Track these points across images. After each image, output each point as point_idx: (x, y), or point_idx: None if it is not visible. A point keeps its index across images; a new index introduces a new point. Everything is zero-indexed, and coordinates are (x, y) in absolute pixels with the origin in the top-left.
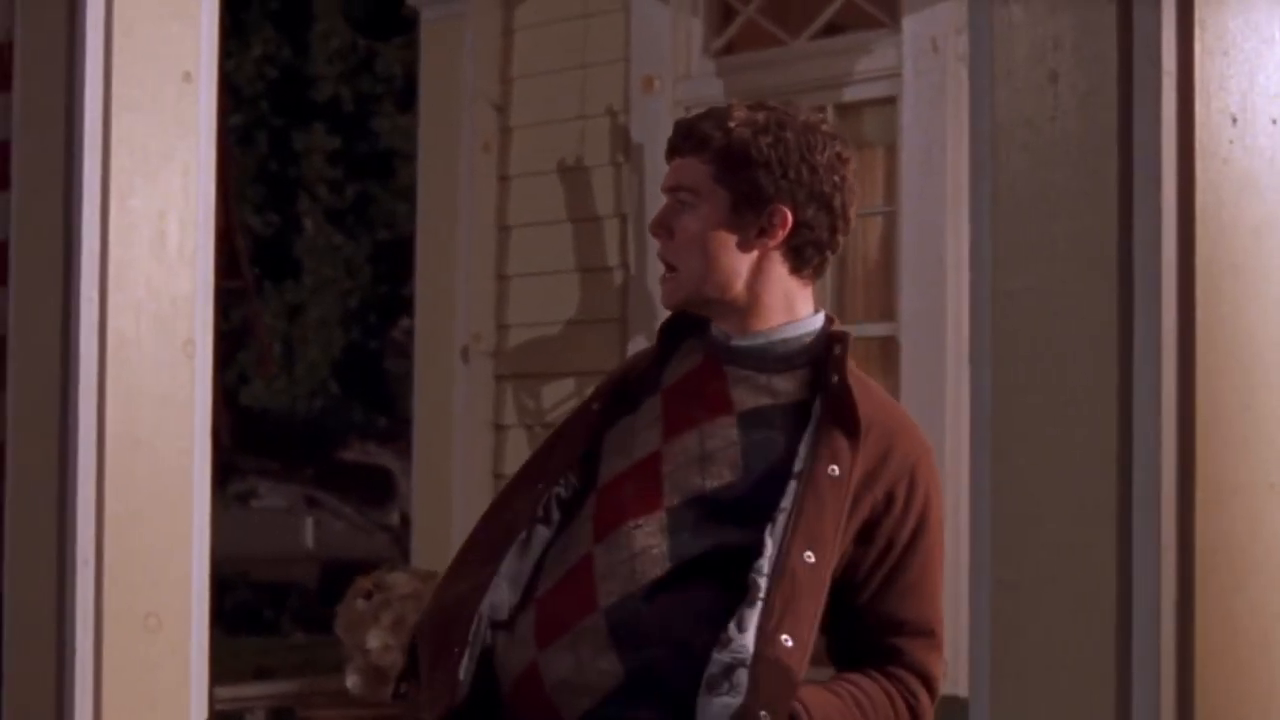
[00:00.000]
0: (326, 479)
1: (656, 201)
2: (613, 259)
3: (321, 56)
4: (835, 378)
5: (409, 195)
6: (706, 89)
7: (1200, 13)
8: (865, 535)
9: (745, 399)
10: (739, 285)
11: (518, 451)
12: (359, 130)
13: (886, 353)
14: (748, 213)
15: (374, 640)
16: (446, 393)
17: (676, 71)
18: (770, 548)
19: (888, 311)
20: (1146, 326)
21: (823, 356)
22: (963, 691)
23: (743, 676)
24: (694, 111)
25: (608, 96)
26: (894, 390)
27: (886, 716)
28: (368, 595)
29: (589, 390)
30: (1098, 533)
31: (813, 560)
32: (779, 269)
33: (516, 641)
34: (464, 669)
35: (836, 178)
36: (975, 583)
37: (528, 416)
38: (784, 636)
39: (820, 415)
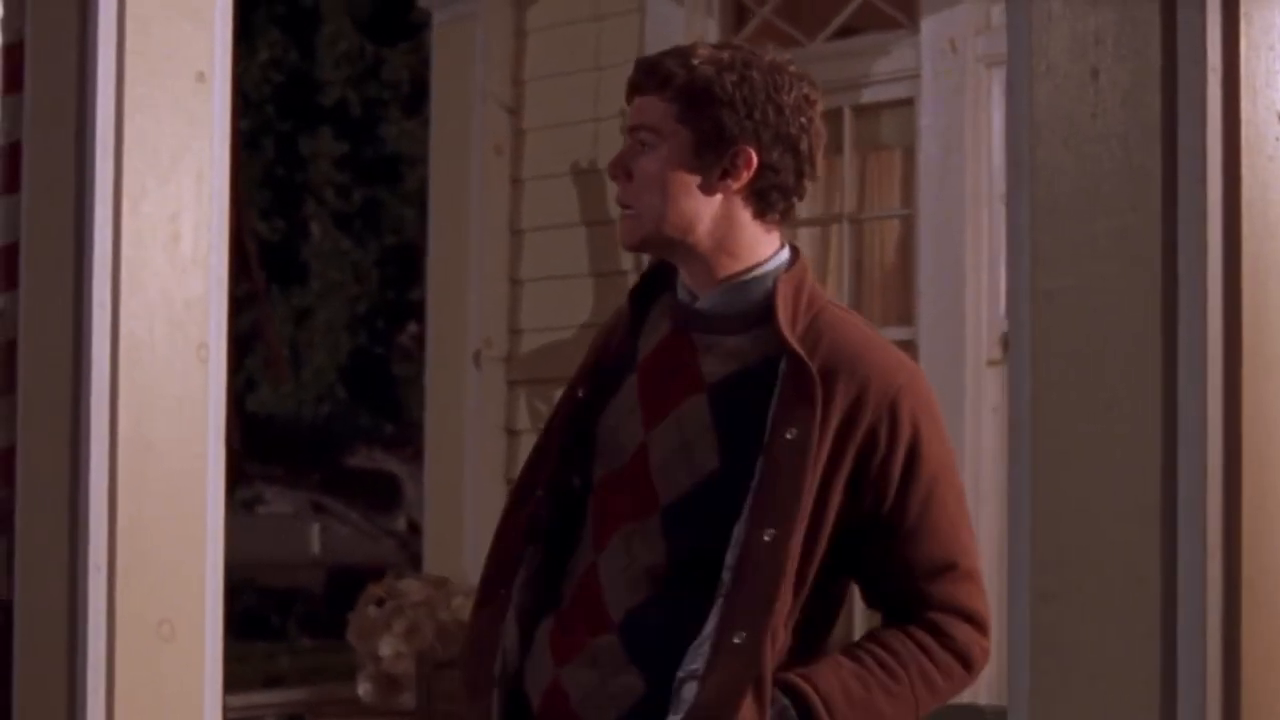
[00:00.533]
0: (333, 485)
1: None
2: (626, 262)
3: (328, 61)
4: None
5: (416, 200)
6: None
7: (1246, 6)
8: (855, 486)
9: (715, 369)
10: (700, 229)
11: None
12: (366, 135)
13: None
14: (710, 154)
15: (386, 648)
16: (458, 398)
17: None
18: (739, 533)
19: (906, 315)
20: (1191, 327)
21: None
22: (982, 699)
23: (690, 691)
24: None
25: (621, 98)
26: None
27: (921, 668)
28: (380, 602)
29: None
30: (1141, 540)
31: (771, 538)
32: (742, 213)
33: (538, 658)
34: (494, 705)
35: (804, 119)
36: (1013, 593)
37: (540, 421)
38: (737, 633)
39: (783, 375)
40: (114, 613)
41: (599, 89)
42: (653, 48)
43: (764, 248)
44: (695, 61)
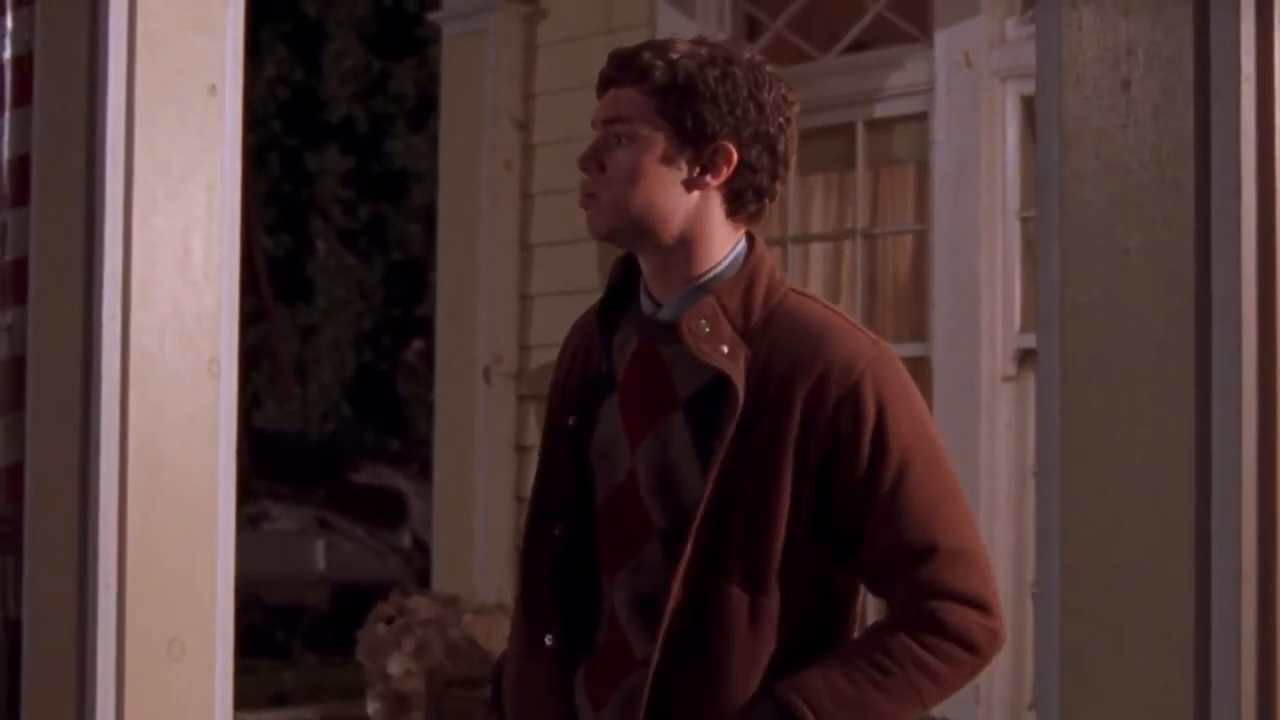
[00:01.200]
0: (338, 501)
1: None
2: None
3: (334, 77)
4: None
5: (422, 216)
6: None
7: None
8: (825, 480)
9: (686, 383)
10: (673, 224)
11: None
12: (372, 151)
13: (918, 373)
14: (689, 149)
15: (395, 666)
16: (468, 414)
17: None
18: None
19: (919, 331)
20: (1225, 343)
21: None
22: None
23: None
24: None
25: None
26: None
27: (916, 658)
28: (389, 620)
29: None
30: (1174, 558)
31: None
32: (716, 211)
33: (579, 697)
34: None
35: (782, 119)
36: (1042, 610)
37: None
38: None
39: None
40: (124, 631)
41: None
42: None
43: (728, 247)
44: (675, 55)
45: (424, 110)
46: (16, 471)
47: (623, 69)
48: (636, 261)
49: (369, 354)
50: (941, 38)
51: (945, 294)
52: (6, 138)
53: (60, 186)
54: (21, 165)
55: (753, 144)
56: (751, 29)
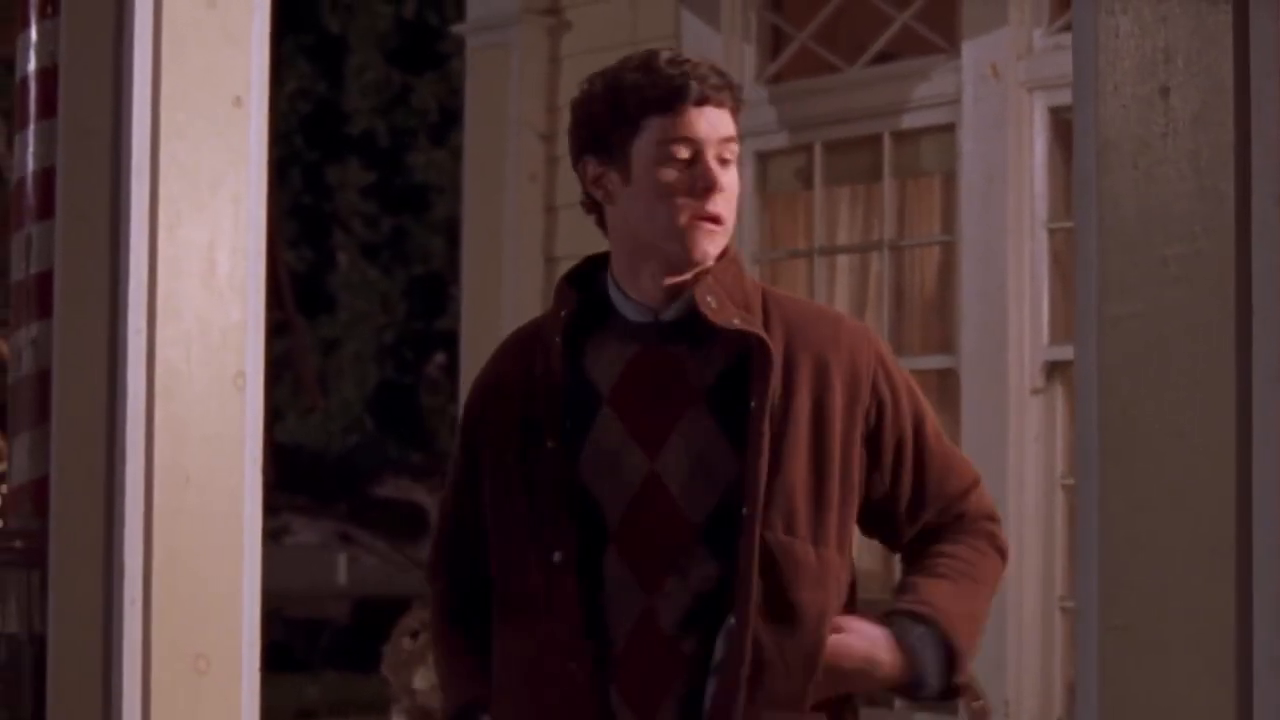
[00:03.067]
0: (360, 515)
1: None
2: None
3: (356, 90)
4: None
5: (444, 230)
6: (759, 116)
7: None
8: (874, 448)
9: (702, 375)
10: None
11: None
12: (394, 164)
13: (945, 385)
14: None
15: (421, 680)
16: None
17: None
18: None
19: (946, 344)
20: (1266, 355)
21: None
22: None
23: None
24: (750, 140)
25: None
26: (954, 424)
27: (989, 568)
28: (414, 635)
29: None
30: (1216, 573)
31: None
32: None
33: (622, 711)
34: None
35: None
36: (1082, 626)
37: None
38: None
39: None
40: (149, 647)
41: None
42: None
43: None
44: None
45: (446, 123)
46: (42, 486)
47: (723, 89)
48: (587, 280)
49: (391, 368)
50: (968, 49)
51: (973, 306)
52: (31, 150)
53: (85, 199)
54: (46, 178)
55: None
56: (777, 40)
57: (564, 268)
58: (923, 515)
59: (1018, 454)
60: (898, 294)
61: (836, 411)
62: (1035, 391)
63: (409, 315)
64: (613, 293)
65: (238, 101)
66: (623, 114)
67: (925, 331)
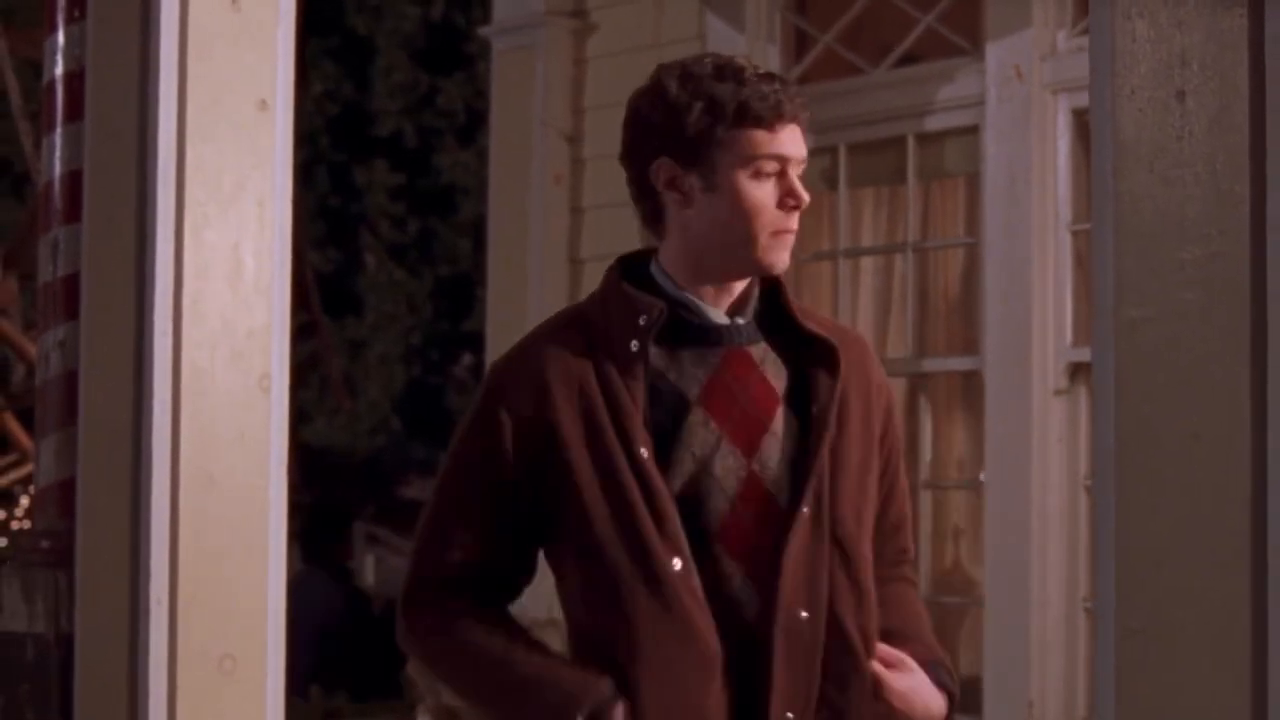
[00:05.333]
0: (387, 516)
1: None
2: None
3: (383, 91)
4: (806, 329)
5: (471, 231)
6: None
7: None
8: (883, 469)
9: (778, 380)
10: None
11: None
12: (421, 165)
13: (969, 387)
14: None
15: None
16: None
17: None
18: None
19: (970, 345)
20: None
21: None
22: None
23: None
24: None
25: None
26: (977, 426)
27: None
28: None
29: None
30: (1231, 576)
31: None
32: None
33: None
34: None
35: None
36: (1099, 629)
37: None
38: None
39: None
40: (175, 647)
41: None
42: None
43: None
44: None
45: (473, 125)
46: (68, 487)
47: (806, 109)
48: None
49: (418, 369)
50: (992, 50)
51: (996, 307)
52: (59, 153)
53: (111, 202)
54: (73, 181)
55: None
56: (801, 43)
57: (589, 269)
58: (894, 539)
59: (1041, 455)
60: (922, 296)
61: (873, 429)
62: (1059, 393)
63: (436, 316)
64: (681, 295)
65: (263, 104)
66: (717, 121)
67: (949, 333)
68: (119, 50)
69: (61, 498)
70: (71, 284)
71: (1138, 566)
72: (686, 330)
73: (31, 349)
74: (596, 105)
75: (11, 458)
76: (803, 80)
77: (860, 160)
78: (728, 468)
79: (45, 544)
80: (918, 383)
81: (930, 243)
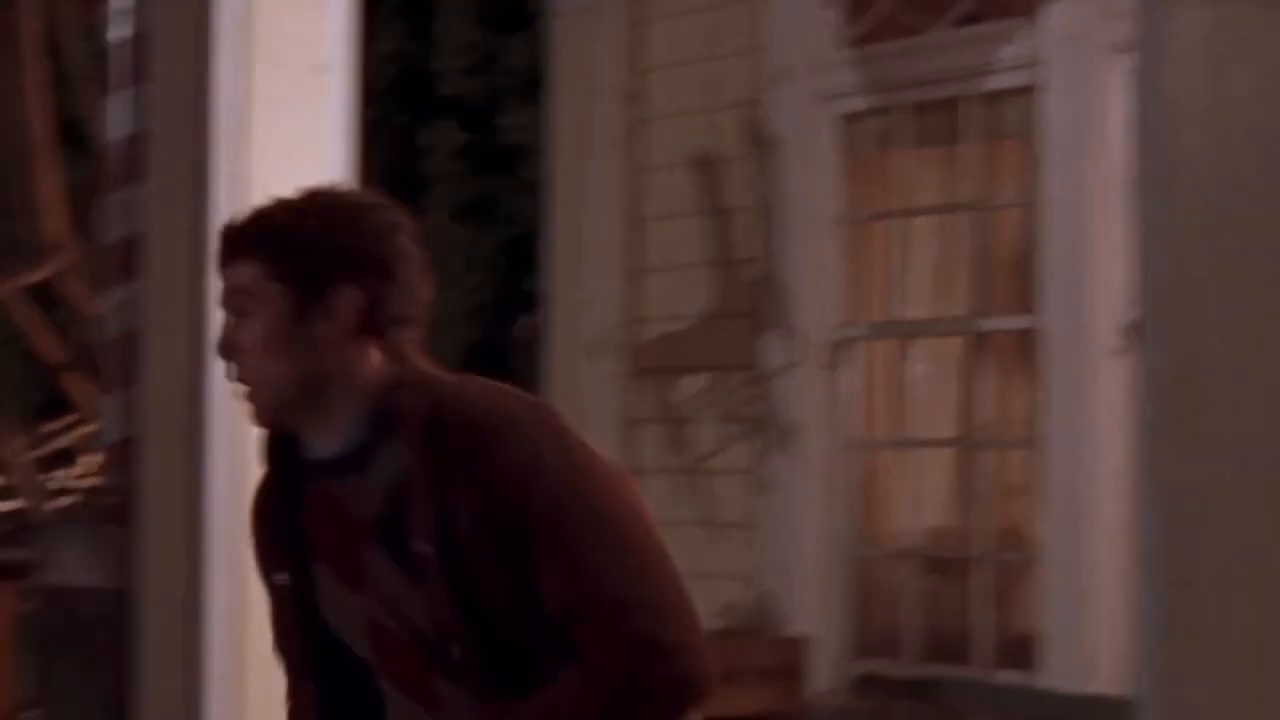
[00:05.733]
0: None
1: (793, 194)
2: (745, 252)
3: (447, 51)
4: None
5: (534, 190)
6: (842, 79)
7: None
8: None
9: (365, 508)
10: (328, 382)
11: (650, 448)
12: (484, 125)
13: (1024, 345)
14: (312, 302)
15: None
16: (576, 388)
17: (812, 62)
18: None
19: (1027, 304)
20: None
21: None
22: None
23: None
24: (834, 103)
25: (741, 87)
26: (1034, 385)
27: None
28: None
29: (722, 385)
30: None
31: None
32: (358, 348)
33: None
34: None
35: (392, 245)
36: (1145, 581)
37: (662, 411)
38: None
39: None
40: (236, 601)
41: (718, 78)
42: (773, 35)
43: (375, 371)
44: (274, 215)
45: (536, 85)
46: (129, 445)
47: (230, 243)
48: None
49: (481, 328)
50: (1052, 11)
51: (1055, 267)
52: (123, 116)
53: (173, 164)
54: (136, 144)
55: (370, 277)
56: (860, 2)
57: (649, 230)
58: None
59: (1100, 414)
60: (980, 255)
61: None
62: (1117, 352)
63: (498, 276)
64: None
65: (321, 68)
66: None
67: (1007, 291)
68: (183, 13)
69: (123, 455)
70: (128, 247)
71: (1187, 520)
72: (296, 461)
73: (91, 305)
74: (657, 65)
75: (71, 418)
76: (862, 41)
77: (918, 121)
78: (346, 610)
79: (108, 500)
80: (975, 341)
81: (988, 203)
